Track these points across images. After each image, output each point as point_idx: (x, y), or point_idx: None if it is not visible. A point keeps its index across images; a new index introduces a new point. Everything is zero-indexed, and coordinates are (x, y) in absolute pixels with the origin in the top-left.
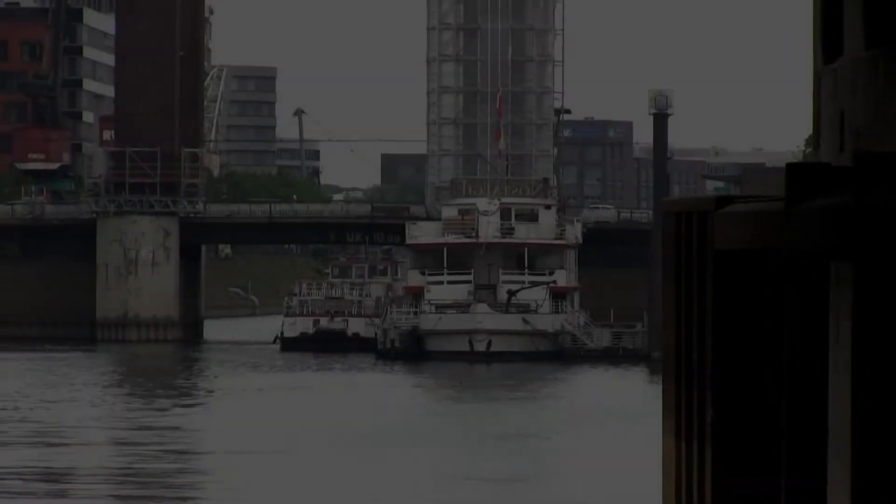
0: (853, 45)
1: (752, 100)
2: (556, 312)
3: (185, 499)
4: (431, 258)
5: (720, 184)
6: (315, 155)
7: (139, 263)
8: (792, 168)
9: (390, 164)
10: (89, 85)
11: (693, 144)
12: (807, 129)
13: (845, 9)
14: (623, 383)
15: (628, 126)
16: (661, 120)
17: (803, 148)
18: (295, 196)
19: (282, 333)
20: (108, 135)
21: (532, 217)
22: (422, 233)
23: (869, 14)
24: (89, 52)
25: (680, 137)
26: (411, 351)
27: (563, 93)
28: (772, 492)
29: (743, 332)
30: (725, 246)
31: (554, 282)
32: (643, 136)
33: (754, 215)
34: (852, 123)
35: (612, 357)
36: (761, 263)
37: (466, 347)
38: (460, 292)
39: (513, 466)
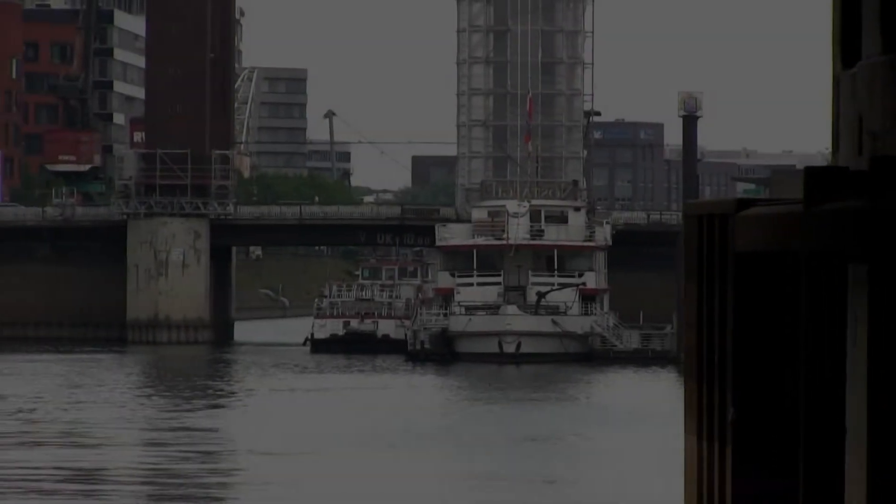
0: (871, 51)
1: (783, 102)
2: (586, 314)
3: (214, 499)
4: (461, 260)
5: (750, 186)
6: (346, 157)
7: (170, 265)
8: (810, 171)
9: (421, 165)
10: (120, 87)
11: (724, 146)
12: None
13: (863, 15)
14: (652, 385)
15: (659, 128)
16: (690, 122)
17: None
18: (317, 198)
19: (312, 335)
20: (138, 136)
21: (562, 219)
22: (451, 234)
23: (886, 20)
24: (120, 54)
25: (711, 139)
26: (441, 352)
27: (592, 95)
28: (791, 490)
29: (763, 332)
30: (746, 248)
31: (583, 283)
32: (674, 137)
33: (773, 218)
34: (870, 127)
35: (641, 359)
36: (781, 265)
37: (496, 349)
38: (490, 294)
39: (540, 467)
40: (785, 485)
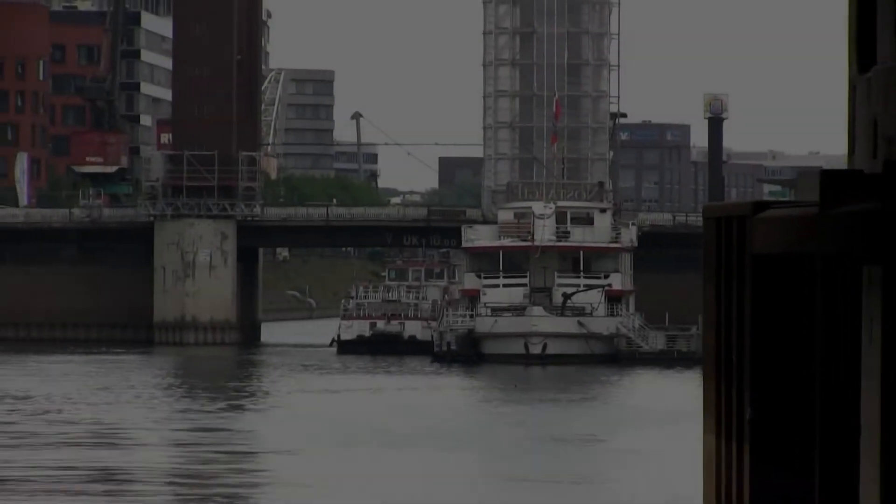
0: (886, 56)
1: (810, 104)
2: (612, 315)
3: (240, 498)
4: (487, 261)
5: (776, 187)
6: (373, 158)
7: (196, 266)
8: (826, 174)
9: (447, 167)
10: (147, 88)
11: (751, 148)
12: None
13: (878, 20)
14: (676, 386)
15: (685, 129)
16: (715, 124)
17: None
18: (334, 199)
19: (338, 336)
20: (165, 138)
21: (587, 220)
22: (478, 236)
23: None
24: (147, 56)
25: (738, 141)
26: (467, 354)
27: (618, 96)
28: (808, 488)
29: (780, 333)
30: (763, 250)
31: (609, 285)
32: (700, 139)
33: (789, 220)
34: (885, 131)
35: (666, 360)
36: (797, 267)
37: (522, 350)
38: (516, 295)
39: (565, 467)
40: (802, 483)
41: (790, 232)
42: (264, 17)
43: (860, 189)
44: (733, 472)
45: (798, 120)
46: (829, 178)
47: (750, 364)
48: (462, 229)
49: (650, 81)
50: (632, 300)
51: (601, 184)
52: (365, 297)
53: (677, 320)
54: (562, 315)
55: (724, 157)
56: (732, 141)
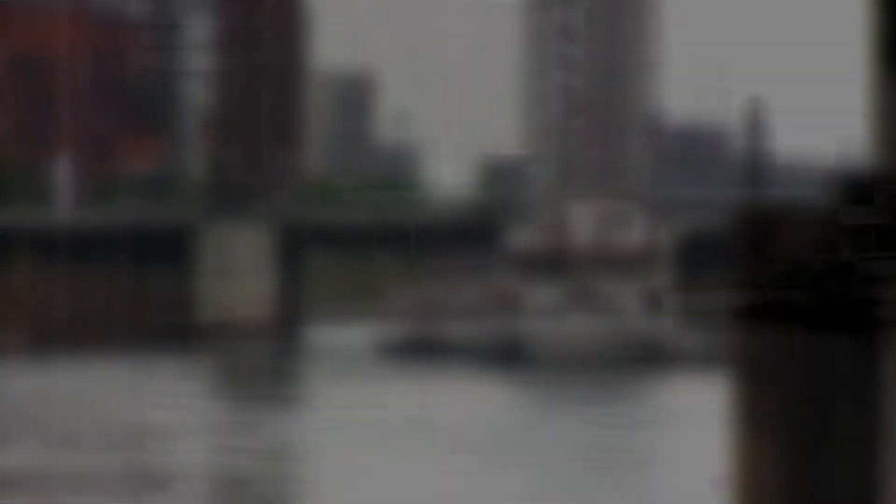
0: None
1: (852, 105)
2: (650, 316)
3: (277, 498)
4: (526, 263)
5: (815, 189)
6: (413, 159)
7: (236, 268)
8: (846, 177)
9: (487, 168)
10: (187, 89)
11: (791, 150)
12: None
13: None
14: (713, 387)
15: (726, 132)
16: (756, 127)
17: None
18: (364, 201)
19: (377, 338)
20: (205, 139)
21: (626, 222)
22: (517, 238)
23: None
24: (187, 56)
25: (779, 142)
26: (506, 355)
27: (659, 99)
28: (832, 484)
29: (805, 331)
30: (788, 251)
31: (647, 286)
32: (741, 142)
33: (812, 224)
34: None
35: (704, 361)
36: (821, 266)
37: (560, 352)
38: (554, 297)
39: (600, 469)
40: (826, 480)
41: (814, 233)
42: (305, 18)
43: (879, 192)
44: (760, 470)
45: (839, 122)
46: (848, 181)
47: (778, 364)
48: (501, 231)
49: (691, 83)
50: (670, 301)
51: (640, 185)
52: (403, 298)
53: (715, 322)
54: (600, 316)
55: (766, 159)
56: (774, 142)
